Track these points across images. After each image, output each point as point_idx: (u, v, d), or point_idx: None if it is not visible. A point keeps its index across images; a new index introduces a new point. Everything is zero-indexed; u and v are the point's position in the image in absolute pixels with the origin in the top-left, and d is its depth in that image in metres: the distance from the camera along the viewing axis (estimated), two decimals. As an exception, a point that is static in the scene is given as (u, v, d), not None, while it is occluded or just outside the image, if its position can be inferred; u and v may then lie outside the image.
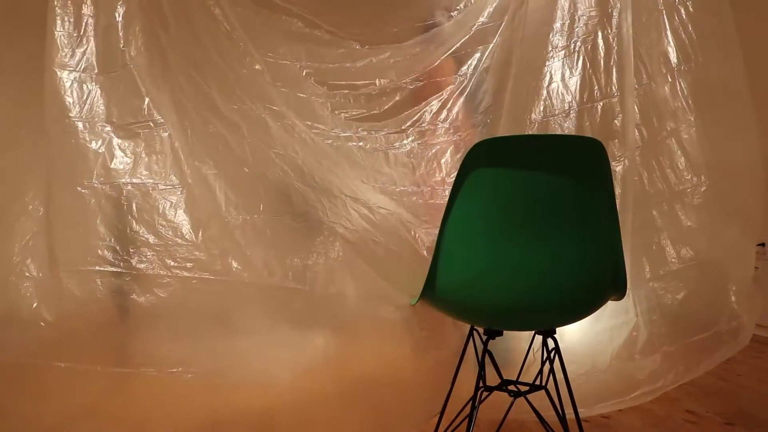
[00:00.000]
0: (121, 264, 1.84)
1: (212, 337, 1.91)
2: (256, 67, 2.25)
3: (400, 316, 2.16)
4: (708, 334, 1.98)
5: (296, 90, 2.34)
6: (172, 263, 1.86)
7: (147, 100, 1.94)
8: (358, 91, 2.39)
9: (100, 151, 1.89)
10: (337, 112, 2.37)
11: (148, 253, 1.85)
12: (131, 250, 1.85)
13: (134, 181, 1.90)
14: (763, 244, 3.49)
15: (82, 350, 1.82)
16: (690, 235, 2.03)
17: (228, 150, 2.08)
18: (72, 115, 1.87)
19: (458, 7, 2.44)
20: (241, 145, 2.09)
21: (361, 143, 2.34)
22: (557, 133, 2.13)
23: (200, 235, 1.90)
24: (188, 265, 1.87)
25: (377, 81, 2.39)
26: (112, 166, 1.89)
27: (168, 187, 1.92)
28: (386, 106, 2.39)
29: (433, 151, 2.35)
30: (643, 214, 2.03)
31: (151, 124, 1.95)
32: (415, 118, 2.39)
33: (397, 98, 2.40)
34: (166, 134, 1.95)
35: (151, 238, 1.87)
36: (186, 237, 1.89)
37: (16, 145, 1.90)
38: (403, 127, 2.39)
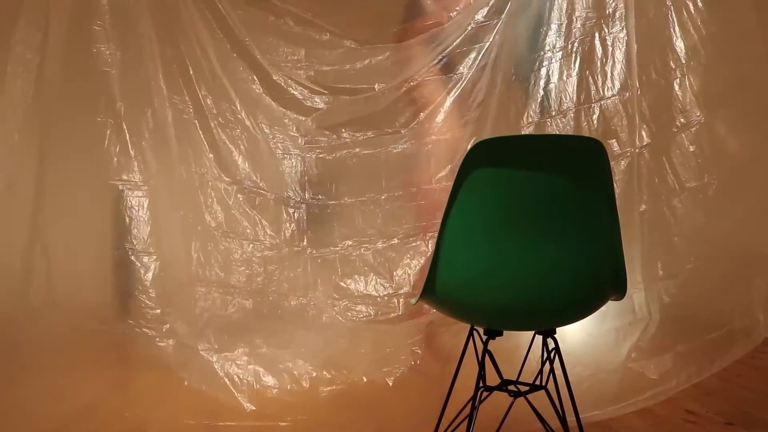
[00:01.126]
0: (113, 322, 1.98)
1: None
2: (254, 77, 2.27)
3: (399, 316, 2.16)
4: (720, 332, 1.96)
5: (296, 95, 2.36)
6: (144, 323, 1.96)
7: (135, 163, 2.00)
8: (357, 96, 2.40)
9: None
10: (337, 114, 2.38)
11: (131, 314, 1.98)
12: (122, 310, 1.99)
13: (125, 245, 2.01)
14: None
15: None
16: (703, 233, 2.01)
17: (203, 215, 2.17)
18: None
19: (457, 8, 2.44)
20: (211, 204, 2.19)
21: (357, 149, 2.36)
22: (554, 133, 2.14)
23: (169, 300, 2.01)
24: (155, 325, 1.97)
25: (376, 84, 2.40)
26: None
27: (144, 252, 2.00)
28: (384, 107, 2.40)
29: (425, 150, 2.36)
30: (654, 211, 2.02)
31: (137, 183, 2.01)
32: (408, 116, 2.40)
33: (396, 99, 2.40)
34: (146, 200, 2.01)
35: (132, 300, 1.99)
36: (156, 301, 1.99)
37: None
38: (397, 126, 2.39)
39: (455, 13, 2.42)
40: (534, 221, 1.35)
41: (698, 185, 2.01)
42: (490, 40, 2.29)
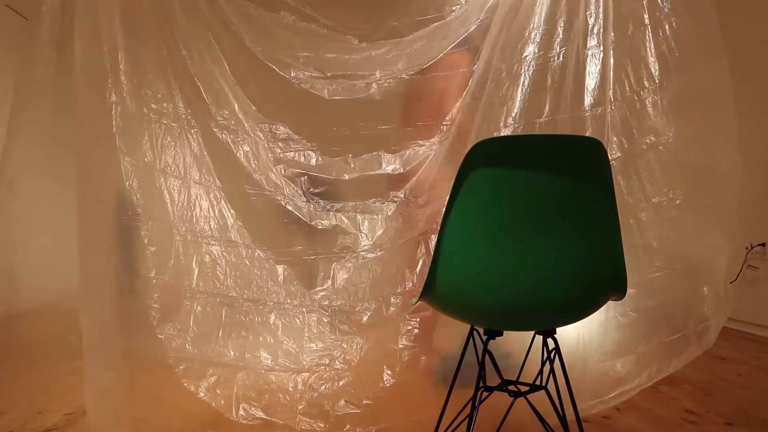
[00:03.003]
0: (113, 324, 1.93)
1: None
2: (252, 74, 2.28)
3: (400, 315, 2.16)
4: (677, 336, 2.02)
5: (295, 92, 2.35)
6: (144, 325, 1.96)
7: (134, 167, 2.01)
8: (356, 82, 2.38)
9: None
10: (335, 98, 2.36)
11: None
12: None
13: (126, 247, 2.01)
14: (763, 244, 3.50)
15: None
16: (666, 244, 2.06)
17: (199, 221, 2.18)
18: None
19: (459, 3, 2.43)
20: (207, 210, 2.19)
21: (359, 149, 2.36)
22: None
23: (168, 304, 2.02)
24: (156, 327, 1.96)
25: (377, 73, 2.38)
26: None
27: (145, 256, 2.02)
28: (385, 98, 2.38)
29: (428, 153, 2.34)
30: (621, 222, 2.05)
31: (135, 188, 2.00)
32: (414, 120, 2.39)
33: (397, 92, 2.39)
34: (146, 205, 2.01)
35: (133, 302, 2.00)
36: (156, 304, 2.00)
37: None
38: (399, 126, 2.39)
39: (458, 7, 2.41)
40: (534, 221, 1.34)
41: (663, 200, 2.05)
42: (485, 38, 2.28)
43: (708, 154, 2.04)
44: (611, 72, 2.09)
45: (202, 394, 1.93)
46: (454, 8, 2.41)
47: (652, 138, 2.05)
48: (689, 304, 2.06)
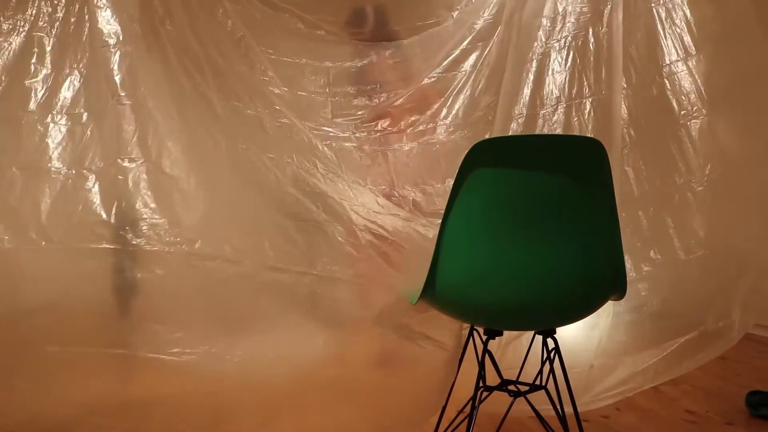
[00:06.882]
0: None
1: (212, 320, 1.91)
2: (257, 65, 2.25)
3: (400, 315, 2.16)
4: (693, 334, 1.93)
5: (296, 89, 2.34)
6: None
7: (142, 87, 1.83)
8: (358, 89, 2.39)
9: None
10: (337, 111, 2.37)
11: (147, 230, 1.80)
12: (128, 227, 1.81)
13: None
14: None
15: (76, 333, 1.80)
16: (685, 233, 1.99)
17: (219, 152, 2.02)
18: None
19: (458, 6, 2.44)
20: (233, 149, 2.05)
21: (360, 144, 2.35)
22: (544, 127, 2.12)
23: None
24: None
25: (378, 82, 2.39)
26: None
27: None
28: (386, 105, 2.39)
29: (433, 150, 2.34)
30: (629, 214, 2.00)
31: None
32: (413, 118, 2.39)
33: (399, 99, 2.39)
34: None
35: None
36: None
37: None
38: (401, 126, 2.38)
39: (456, 12, 2.42)
40: (534, 221, 1.35)
41: (686, 184, 1.98)
42: (493, 38, 2.29)
43: (740, 139, 1.95)
44: (630, 53, 2.05)
45: (222, 382, 1.90)
46: (453, 13, 2.42)
47: (675, 118, 1.99)
48: (712, 298, 1.94)
